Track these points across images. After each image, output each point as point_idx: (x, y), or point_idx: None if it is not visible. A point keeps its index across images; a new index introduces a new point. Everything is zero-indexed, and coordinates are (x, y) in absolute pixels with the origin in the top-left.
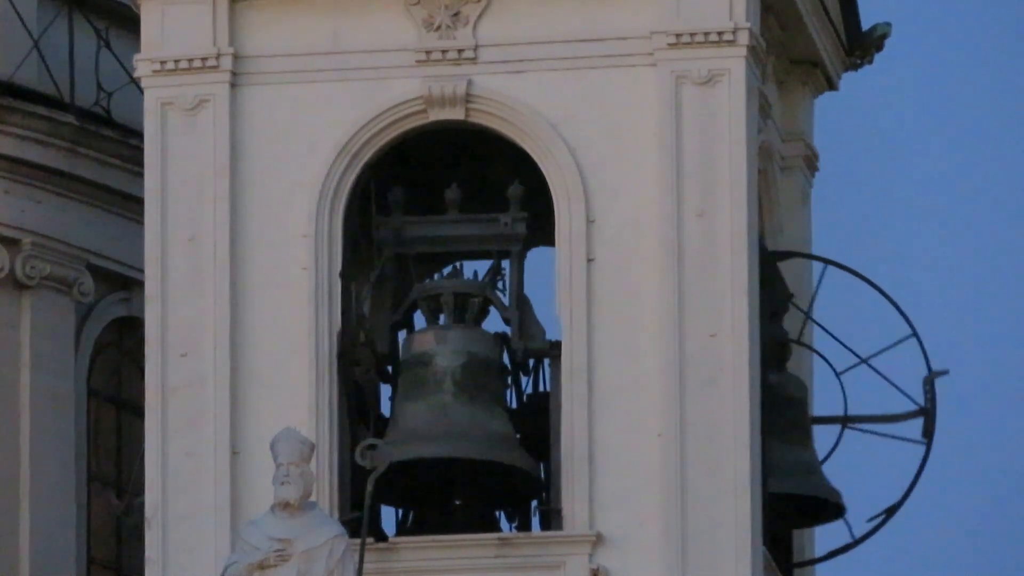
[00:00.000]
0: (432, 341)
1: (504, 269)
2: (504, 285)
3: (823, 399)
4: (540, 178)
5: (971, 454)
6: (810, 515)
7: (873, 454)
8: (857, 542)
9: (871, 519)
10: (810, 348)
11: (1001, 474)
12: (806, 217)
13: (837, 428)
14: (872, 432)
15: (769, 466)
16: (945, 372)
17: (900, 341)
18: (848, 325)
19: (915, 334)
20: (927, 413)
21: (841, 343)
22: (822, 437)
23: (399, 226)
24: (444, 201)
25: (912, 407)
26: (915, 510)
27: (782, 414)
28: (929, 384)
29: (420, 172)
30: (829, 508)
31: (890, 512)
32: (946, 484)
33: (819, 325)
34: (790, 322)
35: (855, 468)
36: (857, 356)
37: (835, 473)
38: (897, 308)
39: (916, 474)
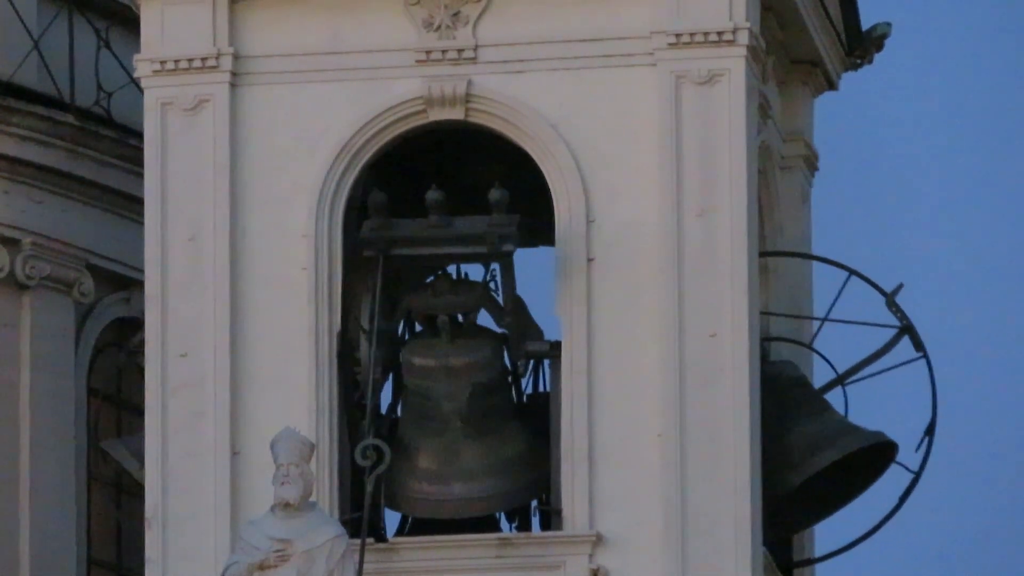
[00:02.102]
0: (434, 367)
1: (495, 270)
2: (497, 286)
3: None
4: (540, 178)
5: (971, 455)
6: (863, 472)
7: (880, 405)
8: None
9: (917, 448)
10: (781, 339)
11: (1001, 475)
12: (806, 217)
13: (839, 393)
14: (870, 375)
15: (808, 444)
16: (900, 286)
17: (842, 287)
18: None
19: (851, 273)
20: (908, 330)
21: (796, 316)
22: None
23: (386, 230)
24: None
25: (890, 334)
26: (915, 510)
27: (794, 395)
28: (893, 304)
29: (417, 172)
30: (881, 456)
31: (929, 431)
32: (946, 483)
33: (772, 314)
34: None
35: (872, 425)
36: (816, 319)
37: None
38: (824, 260)
39: (932, 390)
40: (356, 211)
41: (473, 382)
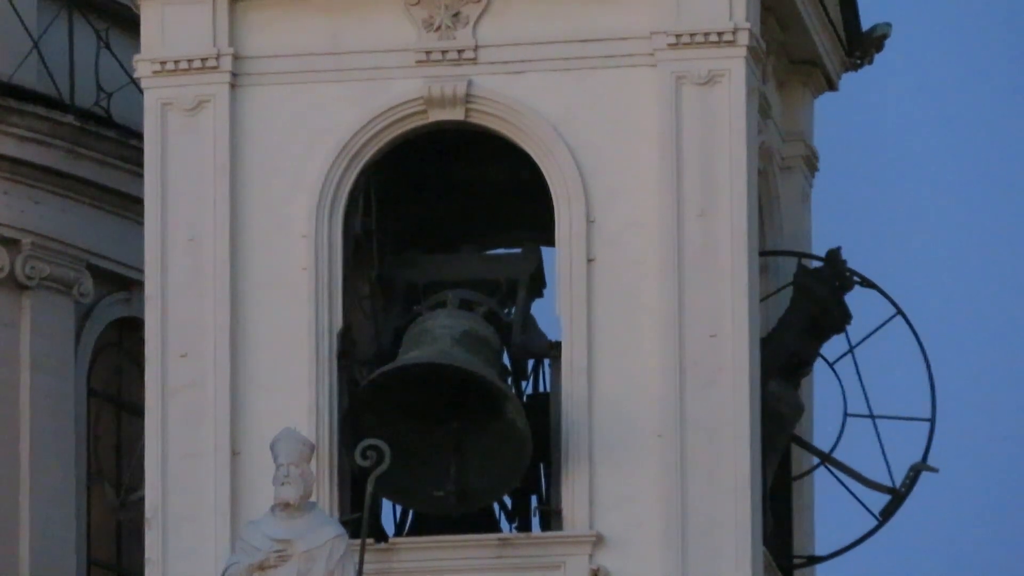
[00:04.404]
0: (434, 314)
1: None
2: (511, 312)
3: (822, 424)
4: (540, 177)
5: (972, 454)
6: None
7: (842, 494)
8: (858, 542)
9: (796, 556)
10: (839, 381)
11: (1001, 476)
12: (806, 217)
13: (815, 459)
14: (841, 483)
15: None
16: (934, 470)
17: (917, 419)
18: (877, 369)
19: (933, 420)
20: (897, 496)
21: (864, 394)
22: (807, 460)
23: (409, 264)
24: (446, 232)
25: (888, 483)
26: (916, 509)
27: (766, 430)
28: (914, 472)
29: (417, 171)
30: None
31: (810, 561)
32: (947, 483)
33: (856, 364)
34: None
35: (823, 497)
36: (869, 410)
37: (804, 496)
38: (931, 387)
39: (854, 542)
40: (357, 211)
41: (470, 326)
